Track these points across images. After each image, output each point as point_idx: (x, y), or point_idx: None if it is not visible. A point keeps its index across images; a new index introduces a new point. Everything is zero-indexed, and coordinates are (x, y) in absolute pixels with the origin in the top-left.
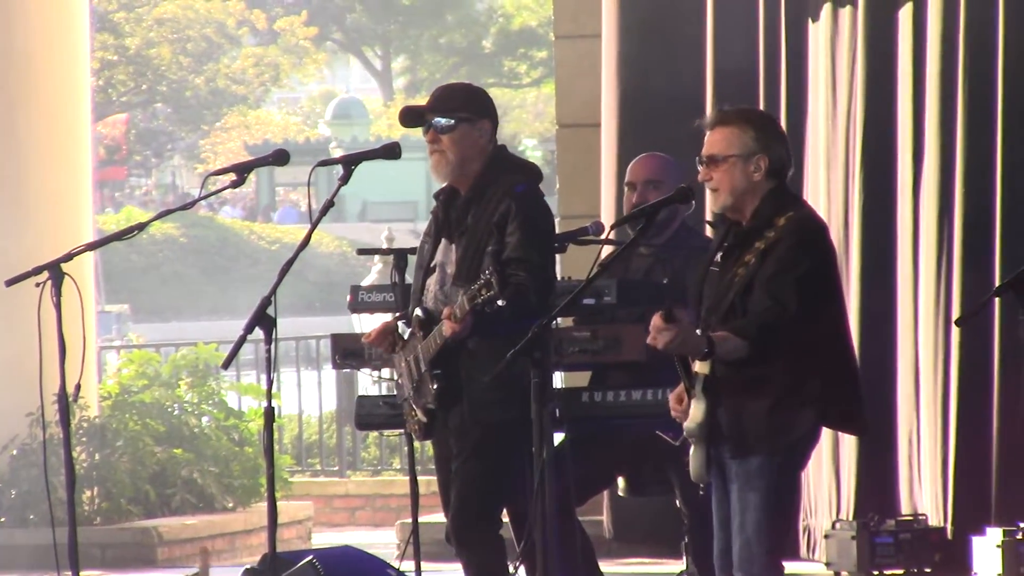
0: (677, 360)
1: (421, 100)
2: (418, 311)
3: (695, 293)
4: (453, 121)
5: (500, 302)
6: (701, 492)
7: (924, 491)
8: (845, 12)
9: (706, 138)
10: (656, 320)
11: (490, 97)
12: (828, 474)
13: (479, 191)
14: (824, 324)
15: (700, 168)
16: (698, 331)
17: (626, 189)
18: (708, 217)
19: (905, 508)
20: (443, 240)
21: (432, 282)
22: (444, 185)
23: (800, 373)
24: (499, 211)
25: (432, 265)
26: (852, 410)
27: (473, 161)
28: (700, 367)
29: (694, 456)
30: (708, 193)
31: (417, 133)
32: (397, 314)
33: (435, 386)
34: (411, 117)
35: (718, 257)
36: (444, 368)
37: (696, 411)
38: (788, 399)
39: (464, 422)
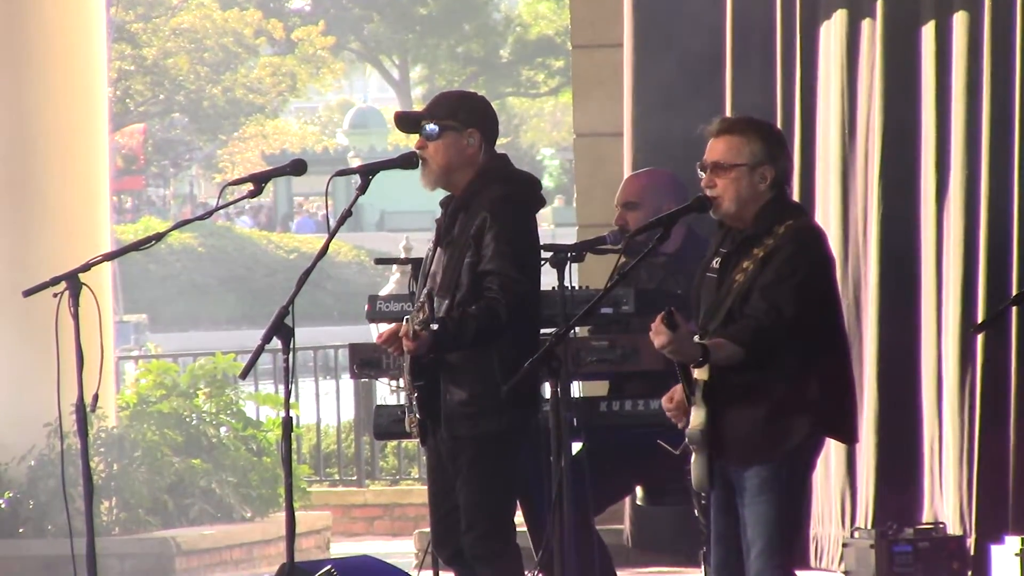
0: (677, 366)
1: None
2: (406, 320)
3: (693, 299)
4: (438, 128)
5: (433, 326)
6: (703, 502)
7: (945, 499)
8: (863, 22)
9: (710, 144)
10: (656, 323)
11: (487, 107)
12: (839, 483)
13: (466, 201)
14: (821, 332)
15: (701, 174)
16: (696, 337)
17: (616, 208)
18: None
19: (926, 516)
20: (439, 248)
21: (424, 292)
22: (448, 193)
23: (796, 381)
24: (476, 223)
25: (430, 273)
26: (845, 418)
27: (460, 170)
28: (699, 374)
29: (695, 464)
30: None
31: None
32: (407, 317)
33: (415, 396)
34: (405, 122)
35: (715, 263)
36: (426, 381)
37: (696, 418)
38: (785, 407)
39: (450, 443)
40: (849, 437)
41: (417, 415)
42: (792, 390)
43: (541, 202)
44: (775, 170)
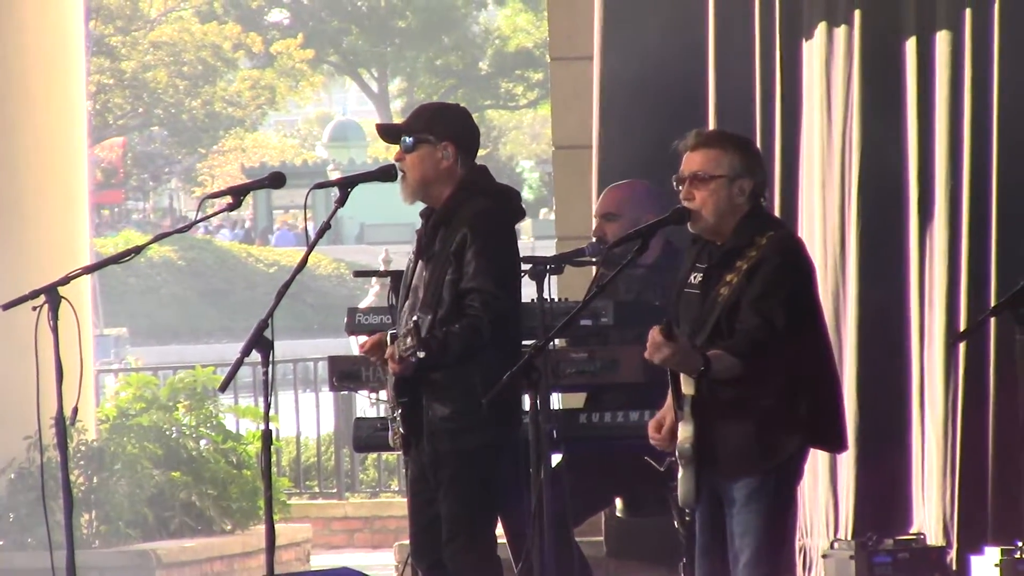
0: (671, 379)
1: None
2: (388, 336)
3: (672, 316)
4: (412, 141)
5: (420, 354)
6: (688, 518)
7: (927, 510)
8: (840, 32)
9: (687, 157)
10: (655, 335)
11: (466, 119)
12: (825, 493)
13: (447, 215)
14: (809, 342)
15: (679, 188)
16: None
17: (593, 220)
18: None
19: (906, 527)
20: (420, 262)
21: (407, 306)
22: (410, 203)
23: (786, 392)
24: (456, 238)
25: (411, 286)
26: (834, 427)
27: (436, 184)
28: (686, 388)
29: (683, 480)
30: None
31: None
32: (392, 331)
33: (398, 412)
34: (387, 134)
35: (695, 279)
36: (410, 396)
37: (684, 433)
38: (775, 419)
39: (431, 456)
40: (838, 446)
41: (401, 430)
42: (782, 402)
43: (521, 214)
44: (753, 183)
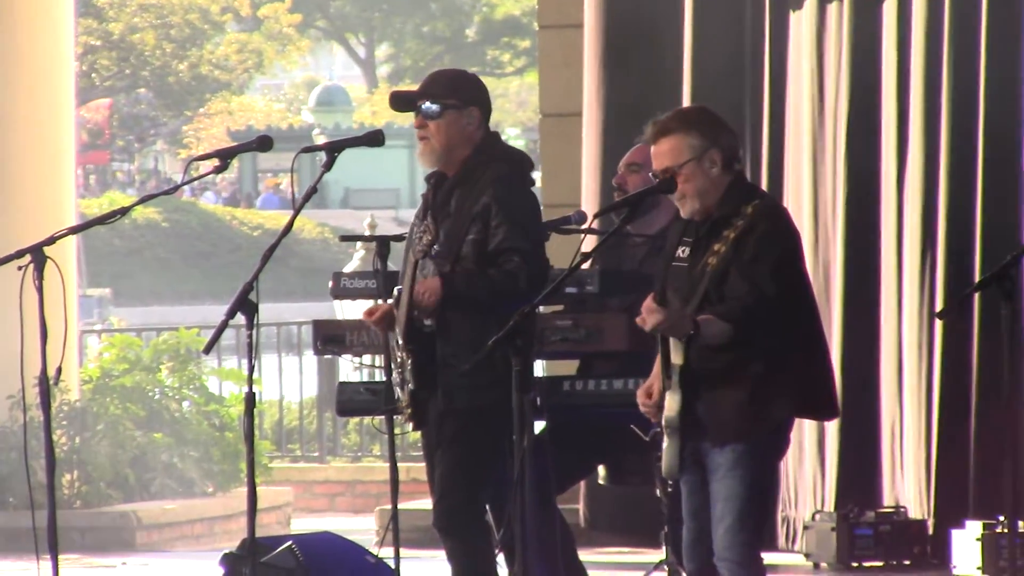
0: (661, 348)
1: (404, 88)
2: (397, 290)
3: (658, 289)
4: (439, 107)
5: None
6: (670, 489)
7: (907, 483)
8: (830, 5)
9: (652, 152)
10: (648, 301)
11: (483, 84)
12: (811, 465)
13: (464, 177)
14: (797, 309)
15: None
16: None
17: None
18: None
19: (887, 500)
20: (427, 222)
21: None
22: (436, 170)
23: (775, 360)
24: (481, 201)
25: (414, 248)
26: (824, 395)
27: (460, 148)
28: (675, 357)
29: (667, 450)
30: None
31: (400, 120)
32: (399, 288)
33: (410, 360)
34: (401, 102)
35: (681, 252)
36: (421, 347)
37: (671, 402)
38: (765, 387)
39: (442, 411)
40: (829, 413)
41: (411, 385)
42: (772, 370)
43: (532, 179)
44: (721, 150)
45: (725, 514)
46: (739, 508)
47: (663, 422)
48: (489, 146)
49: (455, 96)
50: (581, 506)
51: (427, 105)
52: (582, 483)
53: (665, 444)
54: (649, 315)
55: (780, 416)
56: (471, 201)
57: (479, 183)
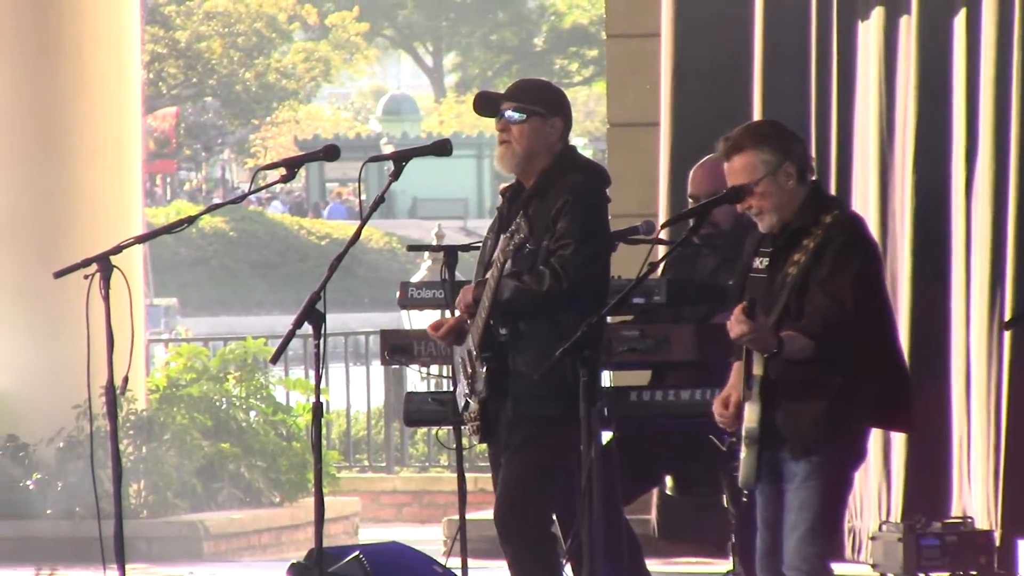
0: (744, 358)
1: (470, 98)
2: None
3: (734, 298)
4: (525, 115)
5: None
6: (745, 499)
7: (974, 493)
8: (899, 17)
9: (725, 170)
10: (737, 311)
11: (566, 97)
12: (876, 475)
13: (542, 188)
14: (877, 322)
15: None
16: None
17: (690, 201)
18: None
19: (954, 510)
20: (503, 236)
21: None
22: (511, 182)
23: (855, 373)
24: (556, 207)
25: (492, 260)
26: (901, 408)
27: (540, 157)
28: (757, 368)
29: (745, 460)
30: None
31: (468, 130)
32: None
33: (484, 369)
34: (486, 103)
35: (759, 263)
36: (494, 355)
37: (751, 413)
38: (844, 399)
39: (512, 417)
40: (908, 426)
41: (478, 407)
42: (851, 382)
43: (607, 195)
44: (794, 163)
45: (798, 524)
46: (812, 519)
47: (743, 432)
48: (568, 158)
49: (541, 104)
50: (653, 516)
51: (512, 109)
52: (654, 493)
53: (743, 454)
54: (737, 325)
55: (858, 428)
56: (547, 211)
57: (556, 193)
